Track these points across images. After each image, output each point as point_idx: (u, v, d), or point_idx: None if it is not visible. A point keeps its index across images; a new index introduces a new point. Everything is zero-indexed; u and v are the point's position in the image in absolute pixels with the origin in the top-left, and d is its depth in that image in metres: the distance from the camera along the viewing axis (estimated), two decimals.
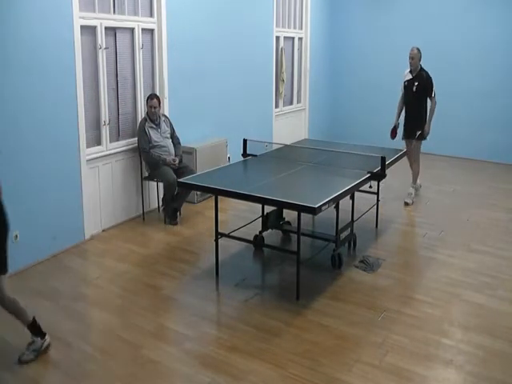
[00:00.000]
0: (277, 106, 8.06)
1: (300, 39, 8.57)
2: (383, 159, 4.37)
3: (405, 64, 8.52)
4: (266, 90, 7.65)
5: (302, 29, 8.57)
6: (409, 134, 6.14)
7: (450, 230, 5.23)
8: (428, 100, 6.07)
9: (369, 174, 4.32)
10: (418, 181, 6.33)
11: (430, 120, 6.07)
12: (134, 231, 5.18)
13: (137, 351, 3.17)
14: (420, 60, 6.04)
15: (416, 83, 6.00)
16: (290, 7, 8.18)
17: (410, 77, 6.09)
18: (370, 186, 5.74)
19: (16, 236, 4.22)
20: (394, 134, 6.23)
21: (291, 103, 8.66)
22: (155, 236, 5.08)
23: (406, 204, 6.02)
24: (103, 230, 5.14)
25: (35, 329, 3.11)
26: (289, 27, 8.21)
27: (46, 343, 3.13)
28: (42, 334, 3.13)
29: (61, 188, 4.61)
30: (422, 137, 6.09)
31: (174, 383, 2.93)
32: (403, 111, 6.26)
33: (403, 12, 8.69)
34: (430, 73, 6.05)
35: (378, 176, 4.42)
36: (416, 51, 6.01)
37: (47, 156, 4.43)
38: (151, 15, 5.53)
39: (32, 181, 4.32)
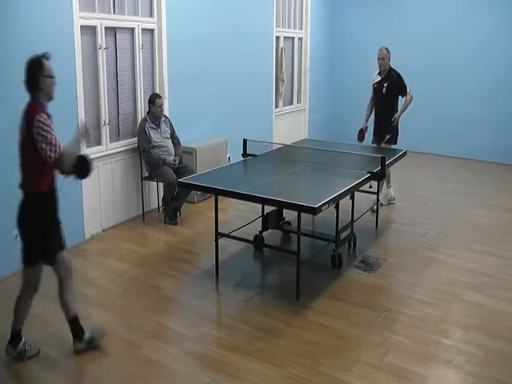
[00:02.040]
0: (277, 106, 8.07)
1: (300, 39, 8.57)
2: (383, 159, 4.37)
3: (404, 64, 8.52)
4: (266, 90, 7.65)
5: (302, 29, 8.58)
6: (378, 138, 5.90)
7: (450, 230, 5.23)
8: (399, 100, 5.86)
9: (369, 174, 4.32)
10: (392, 193, 6.04)
11: (403, 111, 5.80)
12: (133, 231, 5.18)
13: (137, 351, 3.17)
14: (389, 60, 5.79)
15: (386, 84, 5.76)
16: (290, 7, 8.18)
17: (378, 78, 5.85)
18: (370, 186, 5.76)
19: (16, 236, 4.20)
20: (361, 136, 6.00)
21: (291, 103, 8.67)
22: (155, 236, 5.08)
23: (381, 204, 5.67)
24: (103, 230, 5.14)
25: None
26: (289, 27, 8.21)
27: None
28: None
29: (61, 188, 4.56)
30: (392, 141, 5.84)
31: (174, 383, 2.93)
32: (372, 114, 6.03)
33: (403, 12, 8.69)
34: (399, 72, 5.82)
35: (378, 176, 4.42)
36: (386, 51, 5.76)
37: None
38: (151, 15, 5.53)
39: None
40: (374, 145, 5.99)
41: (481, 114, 8.15)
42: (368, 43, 9.06)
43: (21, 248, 3.06)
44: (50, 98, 2.92)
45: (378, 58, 5.78)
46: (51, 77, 2.84)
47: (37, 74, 2.80)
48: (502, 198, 6.29)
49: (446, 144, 8.48)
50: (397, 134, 5.90)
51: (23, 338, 3.09)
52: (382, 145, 5.88)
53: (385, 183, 5.96)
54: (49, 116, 2.87)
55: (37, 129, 2.75)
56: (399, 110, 5.84)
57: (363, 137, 6.03)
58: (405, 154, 5.45)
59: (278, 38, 7.83)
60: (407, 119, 8.54)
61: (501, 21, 7.83)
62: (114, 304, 3.76)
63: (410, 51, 8.55)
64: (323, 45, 9.20)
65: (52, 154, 2.77)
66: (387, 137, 5.83)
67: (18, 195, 4.19)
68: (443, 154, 8.48)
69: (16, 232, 4.17)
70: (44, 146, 2.76)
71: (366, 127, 6.05)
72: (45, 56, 2.84)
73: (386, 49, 5.79)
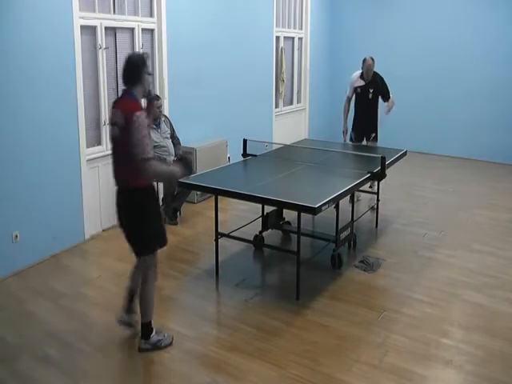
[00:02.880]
0: (277, 106, 8.07)
1: (300, 39, 8.57)
2: (383, 159, 4.37)
3: (403, 64, 8.56)
4: (266, 90, 7.65)
5: (302, 29, 8.58)
6: (360, 137, 5.99)
7: (450, 230, 5.23)
8: (380, 101, 5.92)
9: (369, 174, 4.32)
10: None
11: (390, 109, 5.82)
12: None
13: (137, 351, 3.17)
14: (374, 67, 5.82)
15: (371, 90, 5.79)
16: (290, 7, 8.18)
17: (362, 83, 5.84)
18: (370, 186, 5.77)
19: (16, 236, 4.22)
20: (345, 138, 6.10)
21: (291, 103, 8.67)
22: None
23: (374, 208, 5.51)
24: (103, 230, 5.14)
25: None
26: (289, 27, 8.21)
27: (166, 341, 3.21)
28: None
29: (61, 188, 4.61)
30: (377, 138, 5.94)
31: (174, 383, 2.93)
32: (353, 115, 6.04)
33: (403, 12, 8.69)
34: (382, 76, 5.85)
35: (378, 176, 4.42)
36: (372, 63, 5.73)
37: (47, 156, 4.43)
38: (151, 15, 5.53)
39: (32, 181, 4.32)
40: (353, 143, 6.06)
41: (481, 113, 8.15)
42: (368, 43, 9.07)
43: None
44: (145, 94, 3.06)
45: (366, 71, 5.76)
46: (150, 74, 3.05)
47: (140, 69, 2.94)
48: (501, 198, 6.29)
49: (446, 144, 8.48)
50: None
51: (154, 329, 3.19)
52: (369, 143, 5.98)
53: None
54: (144, 111, 2.96)
55: (134, 125, 2.80)
56: (388, 107, 5.84)
57: (352, 137, 6.08)
58: (405, 154, 5.45)
59: (278, 38, 7.83)
60: (407, 119, 8.61)
61: (502, 21, 7.81)
62: (114, 304, 3.75)
63: (410, 51, 8.56)
64: (323, 45, 9.20)
65: (143, 155, 2.81)
66: (373, 135, 5.94)
67: (16, 196, 4.22)
68: (443, 153, 8.48)
69: (16, 232, 4.21)
70: (137, 143, 2.81)
71: (346, 129, 6.09)
72: (146, 55, 3.03)
73: (372, 59, 5.77)
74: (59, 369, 3.00)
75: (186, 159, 3.23)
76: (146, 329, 3.16)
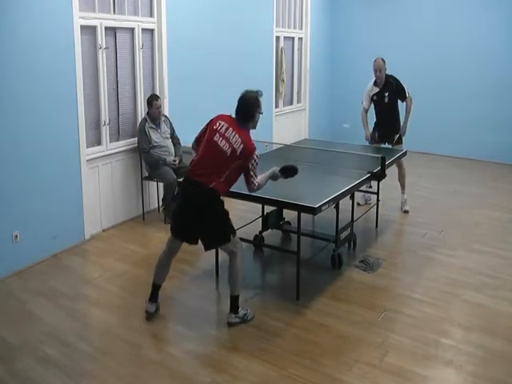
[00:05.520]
0: (277, 106, 8.07)
1: (300, 39, 8.57)
2: (383, 159, 4.37)
3: (403, 64, 8.54)
4: (266, 90, 7.64)
5: (302, 29, 8.58)
6: (382, 140, 5.87)
7: (449, 230, 5.23)
8: (399, 102, 5.78)
9: (369, 174, 4.32)
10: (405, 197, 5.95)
11: (407, 119, 5.72)
12: (134, 231, 5.18)
13: (137, 351, 3.17)
14: (386, 70, 5.65)
15: (386, 94, 5.65)
16: (290, 7, 8.19)
17: (377, 90, 5.70)
18: (370, 186, 5.77)
19: (16, 236, 4.22)
20: (374, 138, 5.90)
21: (291, 103, 8.67)
22: (155, 236, 5.07)
23: (406, 212, 5.76)
24: (103, 230, 5.14)
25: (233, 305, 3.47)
26: (289, 27, 8.21)
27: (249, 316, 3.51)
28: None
29: (61, 188, 4.61)
30: (401, 140, 5.83)
31: (173, 383, 2.93)
32: (374, 120, 5.93)
33: (403, 12, 8.69)
34: (395, 76, 5.71)
35: (378, 176, 4.42)
36: (382, 63, 5.59)
37: (47, 156, 4.43)
38: (151, 15, 5.53)
39: (32, 181, 4.32)
40: (378, 145, 5.97)
41: (481, 113, 8.15)
42: (368, 43, 9.09)
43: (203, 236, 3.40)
44: (254, 128, 3.51)
45: (376, 70, 5.61)
46: (262, 113, 3.44)
47: (255, 108, 3.38)
48: (501, 198, 6.29)
49: (445, 144, 8.47)
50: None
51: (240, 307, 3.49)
52: (394, 147, 5.82)
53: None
54: None
55: (253, 161, 3.32)
56: (404, 118, 5.74)
57: (375, 138, 5.91)
58: (405, 153, 5.45)
59: (278, 38, 7.83)
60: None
61: (501, 19, 7.82)
62: (114, 304, 3.77)
63: (409, 50, 8.56)
64: (323, 45, 9.20)
65: (253, 184, 3.37)
66: (396, 137, 5.81)
67: (16, 196, 4.21)
68: (443, 153, 8.48)
69: (16, 232, 4.21)
70: (253, 177, 3.35)
71: (370, 131, 5.94)
72: (260, 93, 3.40)
73: (382, 59, 5.62)
74: (59, 369, 3.00)
75: (288, 169, 3.70)
76: (236, 302, 3.45)
